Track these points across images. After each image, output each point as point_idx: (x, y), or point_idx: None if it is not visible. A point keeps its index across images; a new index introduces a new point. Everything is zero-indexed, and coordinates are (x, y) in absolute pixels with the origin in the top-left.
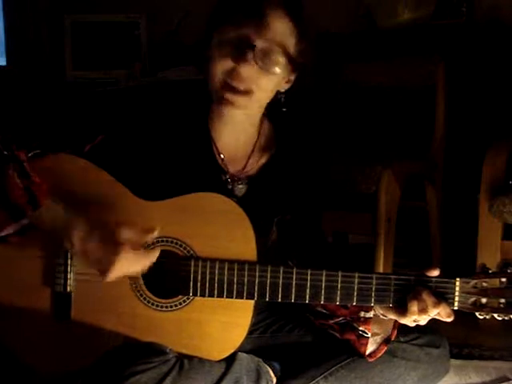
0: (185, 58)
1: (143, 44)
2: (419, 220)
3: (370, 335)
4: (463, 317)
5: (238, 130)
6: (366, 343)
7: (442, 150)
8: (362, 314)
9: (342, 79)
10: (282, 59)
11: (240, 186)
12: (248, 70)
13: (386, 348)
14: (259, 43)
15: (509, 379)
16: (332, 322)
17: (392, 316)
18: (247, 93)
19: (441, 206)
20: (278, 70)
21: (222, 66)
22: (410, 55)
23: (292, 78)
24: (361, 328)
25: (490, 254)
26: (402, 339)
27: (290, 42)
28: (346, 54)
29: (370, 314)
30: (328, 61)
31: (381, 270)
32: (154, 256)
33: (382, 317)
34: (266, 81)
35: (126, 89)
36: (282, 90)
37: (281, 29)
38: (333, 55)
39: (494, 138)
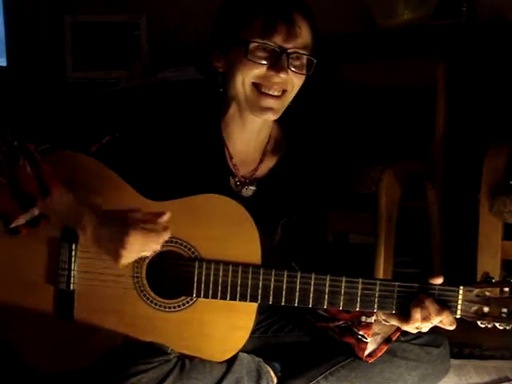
0: (185, 58)
1: (143, 44)
2: (419, 220)
3: (368, 340)
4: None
5: (253, 135)
6: (365, 348)
7: (442, 149)
8: (364, 318)
9: (342, 79)
10: (305, 59)
11: (249, 189)
12: (284, 76)
13: (386, 348)
14: (290, 49)
15: (509, 379)
16: (332, 325)
17: (394, 322)
18: (282, 96)
19: (441, 206)
20: (305, 70)
21: (253, 72)
22: (410, 55)
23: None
24: (360, 332)
25: (490, 254)
26: (402, 338)
27: (310, 41)
28: (345, 54)
29: (372, 319)
30: (328, 61)
31: (381, 270)
32: (165, 236)
33: (384, 322)
34: (296, 81)
35: (130, 89)
36: None
37: (303, 31)
38: (333, 55)
39: (494, 137)
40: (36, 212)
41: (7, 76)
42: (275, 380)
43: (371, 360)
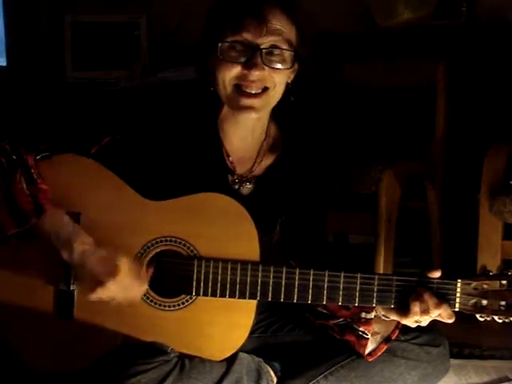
0: (185, 59)
1: (143, 44)
2: (419, 220)
3: (369, 336)
4: (463, 316)
5: (247, 132)
6: (366, 344)
7: (442, 150)
8: (363, 314)
9: (342, 79)
10: (287, 54)
11: (247, 186)
12: (259, 73)
13: (385, 347)
14: (264, 44)
15: (509, 379)
16: (332, 322)
17: (394, 317)
18: (262, 93)
19: (441, 205)
20: (285, 65)
21: (231, 72)
22: (410, 55)
23: (296, 66)
24: (361, 329)
25: (490, 254)
26: (402, 338)
27: (291, 35)
28: (345, 54)
29: (371, 315)
30: (328, 61)
31: (381, 270)
32: (142, 290)
33: (383, 318)
34: (277, 77)
35: (130, 89)
36: (289, 81)
37: (280, 25)
38: (333, 55)
39: (494, 138)
40: (27, 227)
41: (7, 76)
42: (275, 380)
43: (371, 359)
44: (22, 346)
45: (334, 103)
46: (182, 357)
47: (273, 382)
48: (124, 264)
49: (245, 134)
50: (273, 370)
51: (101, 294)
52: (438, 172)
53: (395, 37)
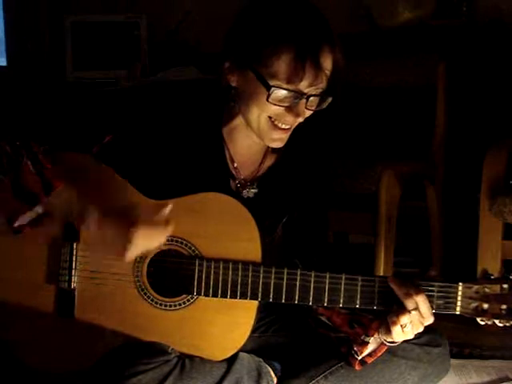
0: (185, 58)
1: (143, 44)
2: (420, 220)
3: (359, 358)
4: (463, 317)
5: (252, 139)
6: (355, 362)
7: (442, 149)
8: (363, 336)
9: (342, 79)
10: (328, 96)
11: (251, 190)
12: (300, 119)
13: (385, 348)
14: (312, 92)
15: (509, 379)
16: (334, 335)
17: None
18: (292, 126)
19: (441, 205)
20: (321, 104)
21: (272, 111)
22: (411, 55)
23: None
24: (355, 348)
25: (490, 254)
26: None
27: (331, 72)
28: (346, 54)
29: (369, 339)
30: None
31: (381, 270)
32: (169, 229)
33: (383, 341)
34: (308, 113)
35: (131, 89)
36: None
37: (329, 69)
38: None
39: (495, 137)
40: (40, 210)
41: (7, 76)
42: (275, 380)
43: (371, 360)
44: (22, 346)
45: (334, 102)
46: (183, 357)
47: (273, 382)
48: (136, 223)
49: (250, 141)
50: (273, 369)
51: (132, 253)
52: (438, 172)
53: (395, 37)
